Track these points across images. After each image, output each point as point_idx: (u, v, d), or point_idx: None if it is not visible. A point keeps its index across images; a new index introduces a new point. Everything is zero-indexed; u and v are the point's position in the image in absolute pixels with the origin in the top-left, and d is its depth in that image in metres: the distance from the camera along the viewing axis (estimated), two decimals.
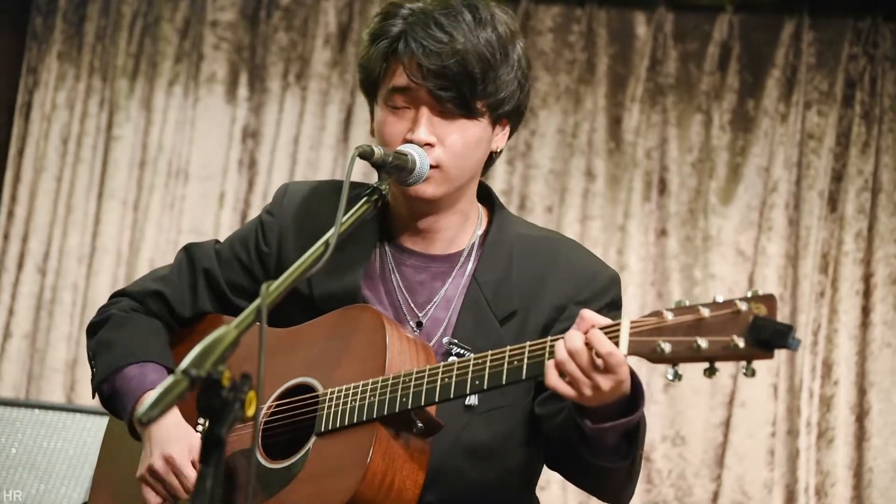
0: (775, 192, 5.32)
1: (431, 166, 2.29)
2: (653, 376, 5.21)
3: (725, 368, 5.39)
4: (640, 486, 5.22)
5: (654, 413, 5.23)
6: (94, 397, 2.50)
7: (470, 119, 2.32)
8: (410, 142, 2.29)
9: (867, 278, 5.21)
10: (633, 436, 2.16)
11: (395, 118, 2.33)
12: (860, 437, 5.10)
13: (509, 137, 2.46)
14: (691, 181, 5.44)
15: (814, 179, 5.31)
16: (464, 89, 2.28)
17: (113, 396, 2.43)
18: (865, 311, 5.19)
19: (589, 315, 2.04)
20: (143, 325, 2.50)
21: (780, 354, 5.16)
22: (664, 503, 5.23)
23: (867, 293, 5.20)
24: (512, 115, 2.40)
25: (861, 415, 5.11)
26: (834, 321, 5.19)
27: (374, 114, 2.42)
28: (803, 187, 5.32)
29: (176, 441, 2.33)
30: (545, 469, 2.45)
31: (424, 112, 2.31)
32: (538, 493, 2.49)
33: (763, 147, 5.39)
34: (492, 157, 2.44)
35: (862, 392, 5.13)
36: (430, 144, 2.29)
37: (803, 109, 5.37)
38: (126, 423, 2.44)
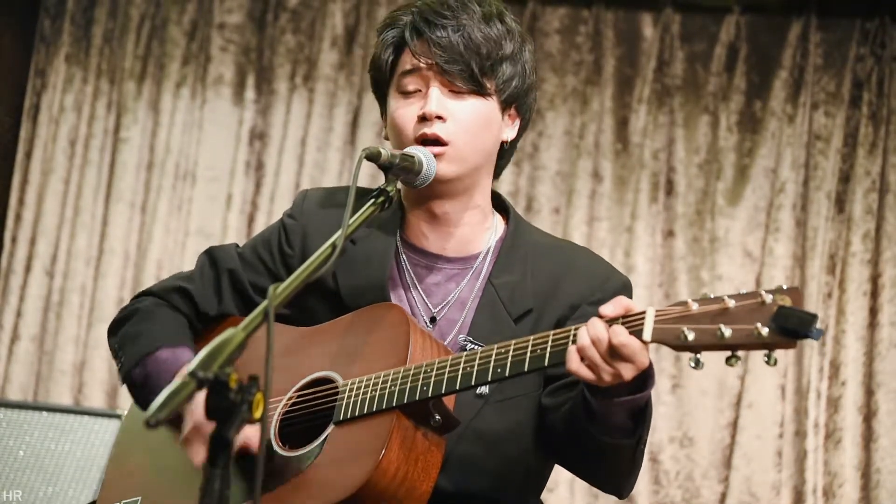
0: (783, 193, 5.31)
1: (442, 142, 2.35)
2: (660, 378, 5.19)
3: (732, 369, 5.37)
4: (647, 488, 5.21)
5: (662, 414, 5.22)
6: (122, 384, 2.49)
7: (479, 97, 2.39)
8: (423, 117, 2.36)
9: (875, 279, 5.20)
10: (640, 416, 2.19)
11: (407, 102, 2.41)
12: (868, 437, 5.09)
13: (519, 134, 2.51)
14: (698, 182, 5.43)
15: (821, 180, 5.31)
16: (471, 64, 2.36)
17: (146, 381, 2.41)
18: (873, 311, 5.18)
19: (626, 301, 2.05)
20: (170, 317, 2.52)
21: (788, 356, 5.16)
22: None
23: (875, 294, 5.19)
24: (521, 103, 2.47)
25: (869, 415, 5.10)
26: (841, 322, 5.18)
27: (386, 116, 2.48)
28: (811, 188, 5.32)
29: None
30: (553, 471, 2.45)
31: (435, 89, 2.38)
32: (546, 494, 2.49)
33: (770, 148, 5.38)
34: (503, 150, 2.49)
35: (870, 393, 5.12)
36: (440, 118, 2.36)
37: (810, 110, 5.36)
38: None
